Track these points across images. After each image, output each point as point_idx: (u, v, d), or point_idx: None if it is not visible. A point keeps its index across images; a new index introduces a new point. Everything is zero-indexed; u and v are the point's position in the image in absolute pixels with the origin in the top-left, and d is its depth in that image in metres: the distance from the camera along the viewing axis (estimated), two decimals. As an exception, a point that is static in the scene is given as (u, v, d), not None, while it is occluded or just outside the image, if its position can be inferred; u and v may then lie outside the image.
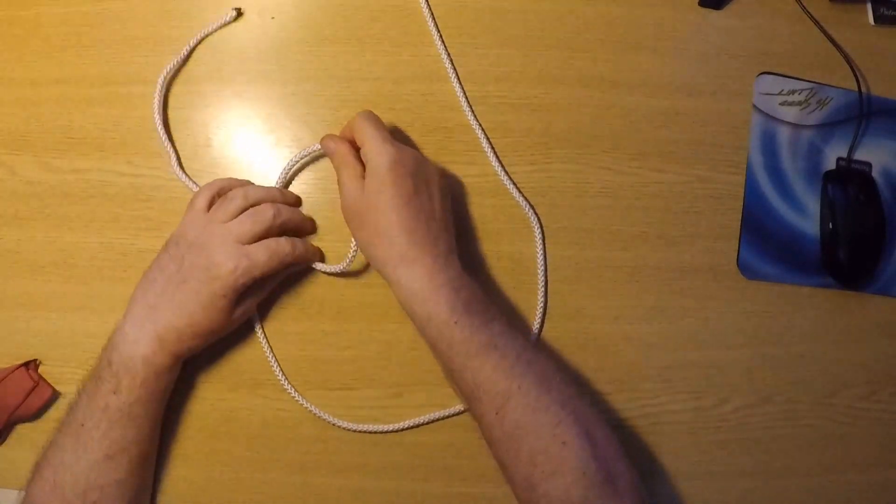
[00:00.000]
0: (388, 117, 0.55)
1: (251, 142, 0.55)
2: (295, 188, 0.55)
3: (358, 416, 0.53)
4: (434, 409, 0.53)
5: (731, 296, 0.55)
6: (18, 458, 0.52)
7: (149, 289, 0.48)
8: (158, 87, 0.55)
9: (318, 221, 0.54)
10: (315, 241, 0.54)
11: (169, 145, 0.54)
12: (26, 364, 0.53)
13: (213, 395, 0.53)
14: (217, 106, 0.56)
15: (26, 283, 0.54)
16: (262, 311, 0.54)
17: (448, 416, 0.53)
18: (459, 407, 0.52)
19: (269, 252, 0.48)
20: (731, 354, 0.54)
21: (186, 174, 0.54)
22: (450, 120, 0.55)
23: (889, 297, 0.56)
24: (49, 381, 0.53)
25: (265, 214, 0.49)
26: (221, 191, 0.51)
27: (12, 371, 0.52)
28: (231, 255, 0.47)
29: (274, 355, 0.53)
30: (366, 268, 0.54)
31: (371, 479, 0.52)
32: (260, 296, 0.51)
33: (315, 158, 0.55)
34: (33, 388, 0.52)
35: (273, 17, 0.57)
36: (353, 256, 0.51)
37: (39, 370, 0.53)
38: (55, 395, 0.53)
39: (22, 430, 0.53)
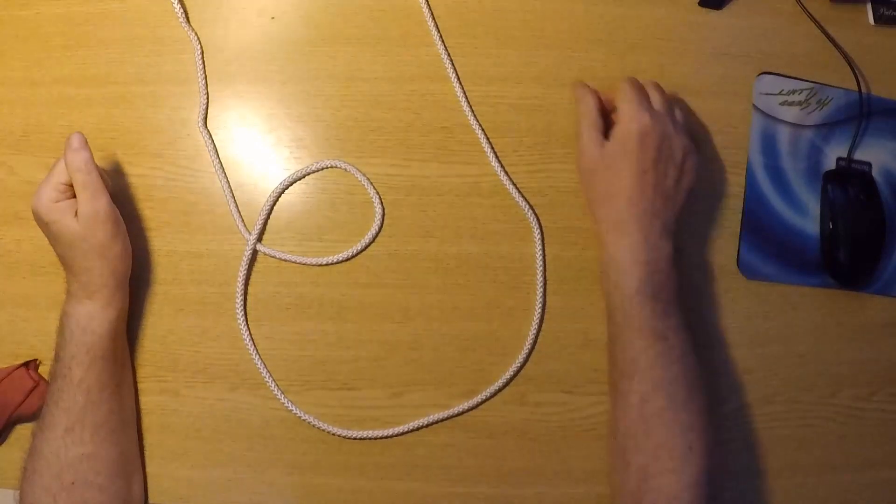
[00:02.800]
0: (388, 117, 0.55)
1: (251, 142, 0.55)
2: (294, 188, 0.55)
3: (358, 416, 0.53)
4: (434, 409, 0.53)
5: (731, 296, 0.55)
6: (18, 458, 0.52)
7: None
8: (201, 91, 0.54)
9: (319, 221, 0.54)
10: (315, 241, 0.54)
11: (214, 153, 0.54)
12: (26, 364, 0.53)
13: (213, 395, 0.53)
14: (217, 106, 0.56)
15: (26, 283, 0.54)
16: (262, 312, 0.54)
17: (447, 418, 0.53)
18: (457, 409, 0.53)
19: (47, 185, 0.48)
20: (731, 354, 0.54)
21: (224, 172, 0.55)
22: (450, 120, 0.55)
23: (889, 297, 0.56)
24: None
25: (54, 171, 0.49)
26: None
27: (12, 371, 0.52)
28: (32, 200, 0.48)
29: (263, 361, 0.53)
30: (366, 268, 0.54)
31: (371, 479, 0.52)
32: (88, 189, 0.47)
33: (307, 173, 0.55)
34: (33, 388, 0.52)
35: (273, 17, 0.57)
36: (358, 250, 0.51)
37: (39, 370, 0.53)
38: (55, 395, 0.53)
39: (22, 430, 0.53)
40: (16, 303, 0.54)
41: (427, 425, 0.53)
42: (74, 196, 0.48)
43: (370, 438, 0.52)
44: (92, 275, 0.48)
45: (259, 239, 0.54)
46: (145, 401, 0.53)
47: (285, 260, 0.54)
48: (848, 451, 0.54)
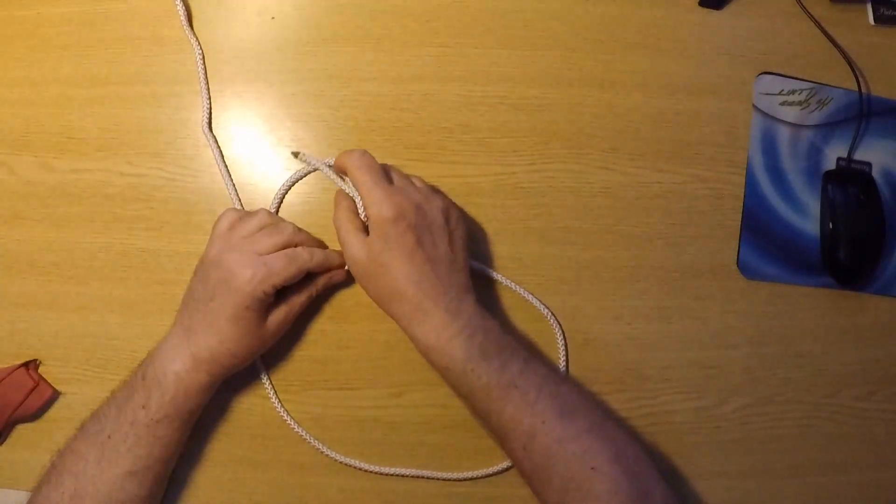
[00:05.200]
0: (388, 117, 0.55)
1: (251, 142, 0.55)
2: (294, 190, 0.55)
3: (358, 416, 0.53)
4: (434, 408, 0.53)
5: (731, 296, 0.55)
6: (18, 458, 0.52)
7: (184, 312, 0.48)
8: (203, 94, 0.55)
9: (319, 221, 0.54)
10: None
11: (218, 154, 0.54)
12: (26, 364, 0.53)
13: (213, 394, 0.53)
14: (217, 106, 0.56)
15: (26, 283, 0.54)
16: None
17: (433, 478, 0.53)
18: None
19: (286, 258, 0.48)
20: (731, 354, 0.54)
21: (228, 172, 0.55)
22: (450, 120, 0.55)
23: (889, 297, 0.56)
24: (49, 381, 0.53)
25: (285, 229, 0.50)
26: (243, 215, 0.51)
27: (12, 371, 0.52)
28: (248, 264, 0.47)
29: (262, 363, 0.53)
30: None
31: (371, 479, 0.52)
32: (292, 310, 0.50)
33: (308, 173, 0.55)
34: (33, 388, 0.52)
35: (273, 17, 0.57)
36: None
37: (39, 370, 0.53)
38: (55, 395, 0.53)
39: (22, 430, 0.53)
40: (16, 303, 0.54)
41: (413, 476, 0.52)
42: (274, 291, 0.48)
43: (354, 468, 0.52)
44: (231, 363, 0.48)
45: None
46: (145, 401, 0.53)
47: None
48: (848, 451, 0.54)
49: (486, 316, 0.47)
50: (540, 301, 0.54)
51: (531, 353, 0.47)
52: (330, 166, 0.52)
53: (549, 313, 0.53)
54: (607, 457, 0.43)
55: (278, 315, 0.49)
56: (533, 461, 0.44)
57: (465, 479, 0.52)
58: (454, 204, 0.51)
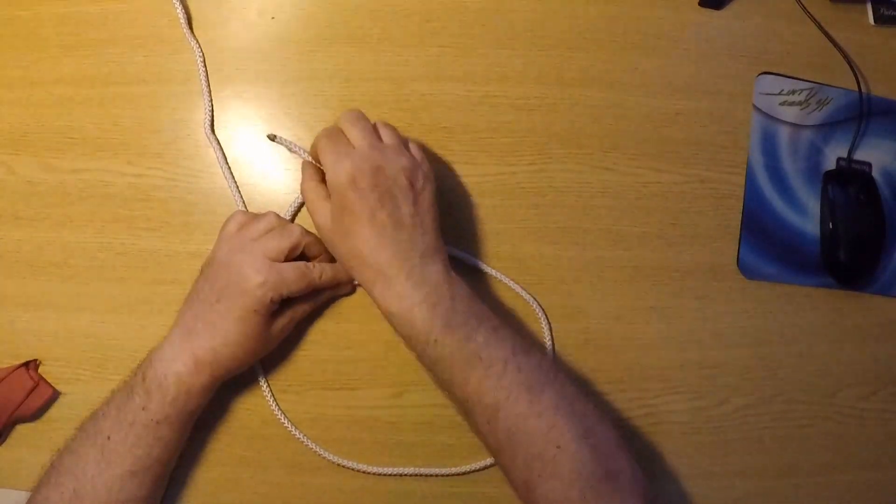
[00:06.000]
0: (388, 117, 0.55)
1: (251, 142, 0.55)
2: (295, 187, 0.55)
3: (358, 416, 0.53)
4: (434, 408, 0.53)
5: (731, 296, 0.55)
6: (18, 458, 0.52)
7: (186, 312, 0.48)
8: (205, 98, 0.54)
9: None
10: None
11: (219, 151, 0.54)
12: (26, 364, 0.53)
13: (213, 394, 0.53)
14: (217, 106, 0.56)
15: (26, 283, 0.54)
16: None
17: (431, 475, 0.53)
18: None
19: (298, 272, 0.48)
20: (731, 354, 0.54)
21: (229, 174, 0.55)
22: (450, 120, 0.55)
23: (889, 297, 0.56)
24: (49, 381, 0.53)
25: (293, 230, 0.50)
26: (252, 217, 0.51)
27: (12, 371, 0.52)
28: (260, 269, 0.47)
29: (260, 365, 0.53)
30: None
31: (371, 479, 0.52)
32: (295, 318, 0.50)
33: None
34: (33, 388, 0.52)
35: (273, 17, 0.57)
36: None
37: (39, 370, 0.53)
38: (55, 395, 0.53)
39: (22, 430, 0.53)
40: (16, 303, 0.54)
41: (411, 475, 0.52)
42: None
43: (353, 469, 0.52)
44: (232, 366, 0.48)
45: None
46: (145, 401, 0.53)
47: None
48: (848, 451, 0.54)
49: (455, 282, 0.46)
50: (524, 290, 0.53)
51: (502, 323, 0.46)
52: (306, 151, 0.51)
53: (533, 300, 0.53)
54: (574, 435, 0.42)
55: (282, 322, 0.49)
56: (497, 437, 0.43)
57: (465, 473, 0.52)
58: (424, 162, 0.48)
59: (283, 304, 0.49)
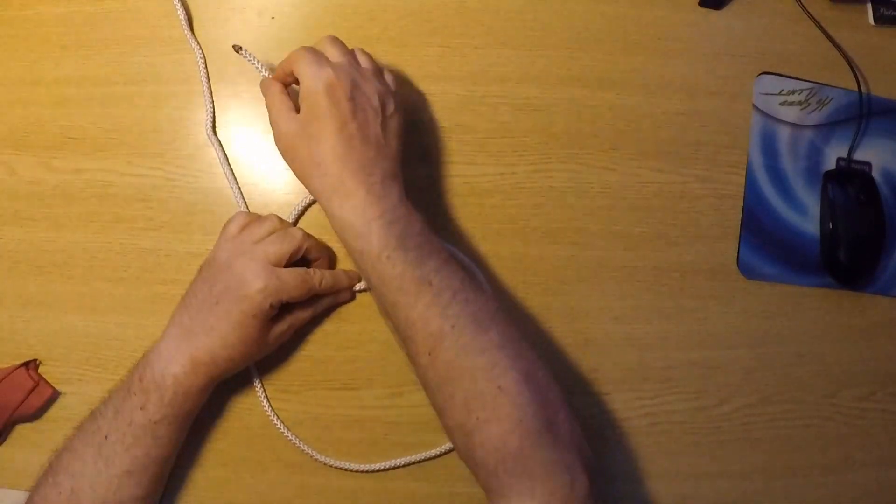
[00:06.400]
0: (388, 117, 0.55)
1: (252, 142, 0.55)
2: (296, 187, 0.55)
3: (358, 416, 0.53)
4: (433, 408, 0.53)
5: (731, 296, 0.55)
6: (18, 458, 0.52)
7: (184, 312, 0.48)
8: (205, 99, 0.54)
9: (320, 221, 0.54)
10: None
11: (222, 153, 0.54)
12: (26, 364, 0.53)
13: (212, 394, 0.53)
14: (217, 106, 0.56)
15: (26, 283, 0.54)
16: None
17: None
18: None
19: (299, 278, 0.48)
20: (731, 354, 0.54)
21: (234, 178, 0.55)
22: (450, 120, 0.55)
23: (889, 297, 0.56)
24: (49, 381, 0.53)
25: (295, 234, 0.50)
26: (254, 219, 0.51)
27: (12, 371, 0.52)
28: (260, 274, 0.47)
29: (256, 367, 0.53)
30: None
31: (371, 479, 0.52)
32: (294, 324, 0.50)
33: None
34: (33, 388, 0.52)
35: (273, 17, 0.57)
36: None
37: (39, 370, 0.53)
38: (55, 395, 0.53)
39: (22, 430, 0.53)
40: (16, 303, 0.54)
41: (405, 465, 0.52)
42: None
43: (348, 470, 0.52)
44: (230, 367, 0.48)
45: None
46: (145, 401, 0.53)
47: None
48: (848, 451, 0.54)
49: (412, 209, 0.45)
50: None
51: (451, 258, 0.45)
52: (268, 69, 0.51)
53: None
54: (516, 377, 0.41)
55: (281, 327, 0.49)
56: (437, 370, 0.43)
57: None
58: (397, 94, 0.49)
59: (282, 309, 0.49)
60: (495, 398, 0.41)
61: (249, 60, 0.50)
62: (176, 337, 0.47)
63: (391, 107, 0.47)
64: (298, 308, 0.50)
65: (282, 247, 0.48)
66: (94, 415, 0.47)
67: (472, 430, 0.41)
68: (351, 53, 0.48)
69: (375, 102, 0.46)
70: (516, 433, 0.40)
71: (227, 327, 0.46)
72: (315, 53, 0.46)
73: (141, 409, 0.46)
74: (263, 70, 0.50)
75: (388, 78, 0.49)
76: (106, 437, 0.45)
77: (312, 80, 0.45)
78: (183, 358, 0.46)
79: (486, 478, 0.42)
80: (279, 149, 0.47)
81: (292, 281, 0.48)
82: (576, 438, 0.42)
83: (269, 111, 0.48)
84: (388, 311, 0.45)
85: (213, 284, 0.47)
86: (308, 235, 0.51)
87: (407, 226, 0.44)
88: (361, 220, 0.44)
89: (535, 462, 0.40)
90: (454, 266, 0.45)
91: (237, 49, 0.50)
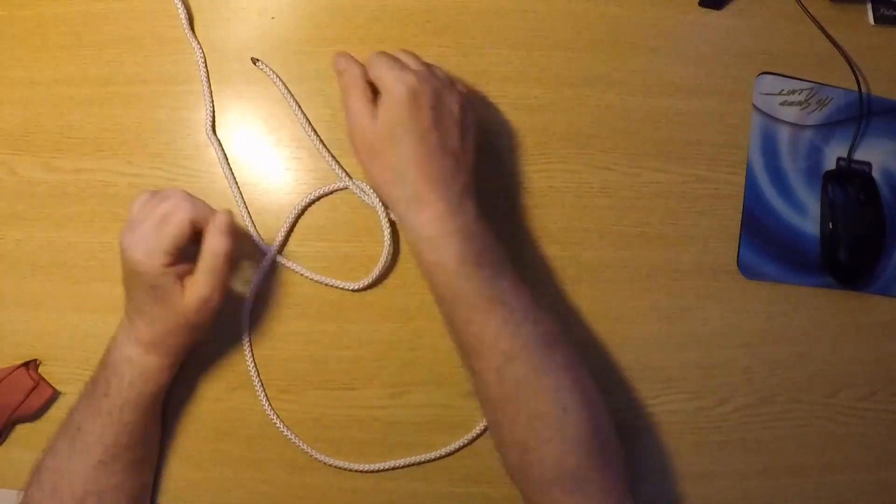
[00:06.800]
0: (388, 117, 0.55)
1: (252, 142, 0.55)
2: (297, 189, 0.55)
3: (358, 417, 0.53)
4: (434, 408, 0.53)
5: (731, 296, 0.55)
6: (18, 458, 0.52)
7: (126, 300, 0.48)
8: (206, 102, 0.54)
9: (320, 222, 0.54)
10: (315, 240, 0.54)
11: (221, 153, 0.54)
12: (26, 364, 0.53)
13: (213, 395, 0.53)
14: (217, 106, 0.56)
15: (26, 283, 0.54)
16: (263, 313, 0.54)
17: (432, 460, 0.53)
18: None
19: (154, 221, 0.45)
20: (731, 354, 0.54)
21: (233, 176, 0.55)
22: (450, 120, 0.55)
23: (889, 297, 0.56)
24: (49, 381, 0.53)
25: (168, 195, 0.46)
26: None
27: (12, 371, 0.52)
28: (134, 245, 0.45)
29: (256, 367, 0.53)
30: (366, 268, 0.54)
31: (371, 479, 0.52)
32: (207, 274, 0.46)
33: (326, 193, 0.55)
34: (33, 388, 0.52)
35: (273, 17, 0.57)
36: (375, 277, 0.52)
37: (39, 370, 0.53)
38: (55, 395, 0.53)
39: (22, 430, 0.53)
40: (16, 303, 0.54)
41: (403, 467, 0.52)
42: (181, 261, 0.46)
43: (349, 470, 0.52)
44: (174, 342, 0.47)
45: (280, 251, 0.54)
46: (145, 401, 0.53)
47: (304, 276, 0.53)
48: (848, 451, 0.54)
49: (487, 225, 0.45)
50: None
51: (520, 277, 0.45)
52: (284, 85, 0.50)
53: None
54: (580, 400, 0.42)
55: (194, 282, 0.46)
56: (504, 388, 0.43)
57: (457, 450, 0.52)
58: (470, 105, 0.48)
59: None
60: (560, 419, 0.42)
61: (266, 73, 0.51)
62: (124, 323, 0.48)
63: (470, 119, 0.47)
64: (204, 258, 0.46)
65: (153, 210, 0.45)
66: (70, 410, 0.48)
67: (532, 447, 0.42)
68: (427, 64, 0.48)
69: (456, 111, 0.46)
70: (575, 454, 0.42)
71: (148, 305, 0.46)
72: (395, 59, 0.46)
73: (105, 395, 0.46)
74: (279, 82, 0.50)
75: (463, 90, 0.49)
76: (79, 429, 0.46)
77: (396, 83, 0.44)
78: (131, 341, 0.47)
79: (538, 494, 0.43)
80: (354, 146, 0.46)
81: (152, 230, 0.45)
82: (622, 463, 0.43)
83: (348, 106, 0.46)
84: (456, 326, 0.45)
85: (124, 271, 0.47)
86: (183, 191, 0.47)
87: (483, 242, 0.44)
88: (441, 233, 0.43)
89: (589, 483, 0.42)
90: (525, 286, 0.45)
91: (255, 61, 0.51)
